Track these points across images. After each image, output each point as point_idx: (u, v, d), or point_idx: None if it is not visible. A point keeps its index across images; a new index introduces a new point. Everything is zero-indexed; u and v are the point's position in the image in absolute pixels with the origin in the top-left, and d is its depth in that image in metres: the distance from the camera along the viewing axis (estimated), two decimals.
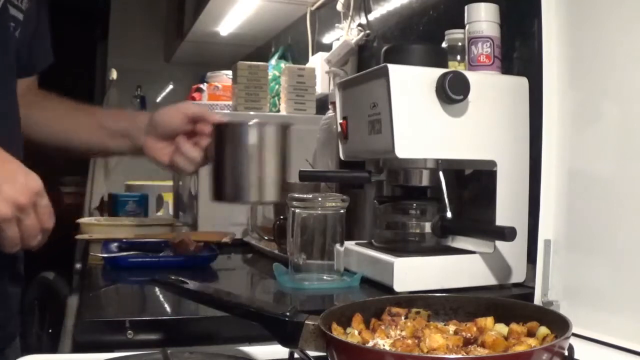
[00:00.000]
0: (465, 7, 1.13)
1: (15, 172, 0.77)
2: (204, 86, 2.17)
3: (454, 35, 1.19)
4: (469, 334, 0.64)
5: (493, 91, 1.04)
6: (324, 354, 0.63)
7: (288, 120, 1.15)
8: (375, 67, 1.02)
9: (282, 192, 1.03)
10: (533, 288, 0.94)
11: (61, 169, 4.28)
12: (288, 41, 2.64)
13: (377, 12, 1.81)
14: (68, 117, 1.11)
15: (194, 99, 2.13)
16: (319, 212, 1.06)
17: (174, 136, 1.05)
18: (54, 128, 1.10)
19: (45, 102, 1.12)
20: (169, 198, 2.22)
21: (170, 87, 4.36)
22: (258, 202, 1.05)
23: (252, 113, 1.80)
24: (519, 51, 1.18)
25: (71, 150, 1.12)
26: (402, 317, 0.70)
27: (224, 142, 1.02)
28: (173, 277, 0.74)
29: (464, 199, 1.16)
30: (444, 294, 0.75)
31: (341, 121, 1.14)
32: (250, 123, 1.02)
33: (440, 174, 1.02)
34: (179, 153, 1.04)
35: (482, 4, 1.11)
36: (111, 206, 2.25)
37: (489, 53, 1.10)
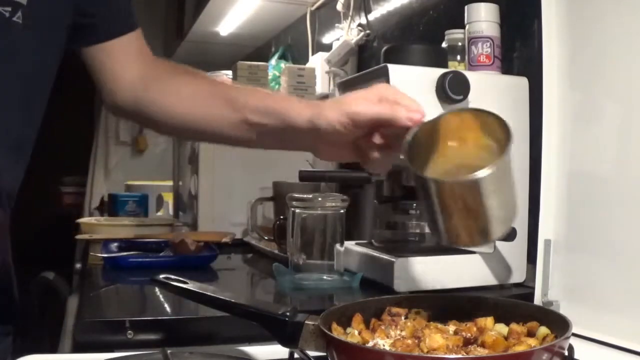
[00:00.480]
0: (465, 7, 1.13)
1: None
2: None
3: (454, 35, 1.19)
4: (469, 334, 0.64)
5: (493, 91, 1.04)
6: (324, 354, 0.63)
7: None
8: (375, 67, 1.02)
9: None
10: (533, 288, 0.94)
11: (61, 169, 4.30)
12: (288, 41, 2.64)
13: (377, 12, 1.81)
14: (200, 106, 0.86)
15: None
16: (319, 212, 1.06)
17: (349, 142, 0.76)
18: (182, 117, 0.88)
19: (165, 78, 0.90)
20: (169, 198, 2.22)
21: None
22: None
23: None
24: (519, 51, 1.18)
25: (207, 140, 0.94)
26: (402, 317, 0.70)
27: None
28: (173, 277, 0.74)
29: None
30: (444, 294, 0.75)
31: None
32: None
33: None
34: (364, 157, 0.76)
35: (482, 4, 1.11)
36: (111, 206, 2.25)
37: (489, 53, 1.10)
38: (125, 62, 0.91)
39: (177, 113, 0.88)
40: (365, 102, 0.73)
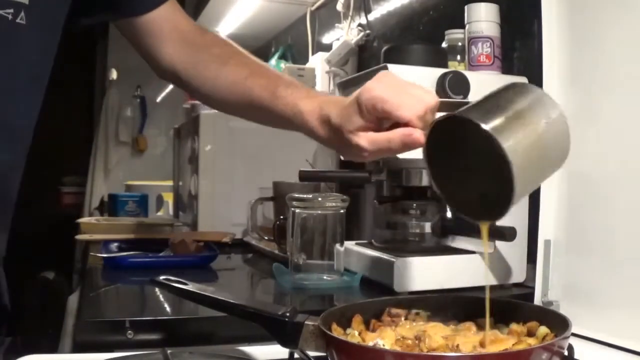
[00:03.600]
0: (465, 7, 1.13)
1: None
2: None
3: (454, 35, 1.19)
4: (469, 334, 0.64)
5: None
6: (324, 354, 0.63)
7: None
8: (375, 67, 1.02)
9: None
10: (533, 288, 0.94)
11: (61, 169, 4.30)
12: (288, 41, 2.64)
13: (377, 12, 1.81)
14: (234, 99, 0.89)
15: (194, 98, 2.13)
16: (319, 212, 1.06)
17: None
18: (219, 103, 0.93)
19: (203, 64, 0.92)
20: (169, 198, 2.22)
21: (171, 87, 4.36)
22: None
23: None
24: (519, 51, 1.18)
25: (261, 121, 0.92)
26: (402, 318, 0.70)
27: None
28: (173, 279, 0.74)
29: None
30: (444, 294, 0.75)
31: None
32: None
33: None
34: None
35: (482, 4, 1.11)
36: (111, 206, 2.25)
37: (489, 53, 1.10)
38: (161, 39, 0.93)
39: (214, 99, 0.93)
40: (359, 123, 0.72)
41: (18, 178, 0.84)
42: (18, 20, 0.78)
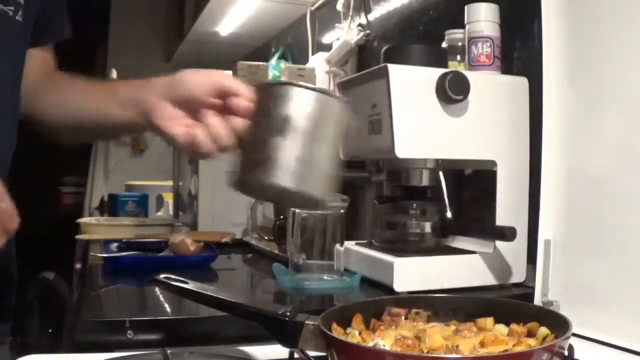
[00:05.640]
0: (465, 7, 1.13)
1: None
2: None
3: (454, 35, 1.19)
4: (469, 334, 0.64)
5: (493, 91, 1.04)
6: (324, 354, 0.63)
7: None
8: (375, 67, 1.02)
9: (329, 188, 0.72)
10: (533, 288, 0.94)
11: (61, 169, 4.30)
12: (288, 41, 2.63)
13: (377, 12, 1.81)
14: (79, 92, 0.91)
15: None
16: (319, 212, 1.06)
17: (195, 107, 0.77)
18: (66, 108, 0.92)
19: (61, 83, 0.95)
20: (169, 198, 2.22)
21: None
22: (297, 192, 0.71)
23: None
24: (519, 51, 1.17)
25: (81, 127, 0.92)
26: (402, 317, 0.70)
27: (262, 109, 0.71)
28: (173, 277, 0.74)
29: (464, 199, 1.16)
30: (444, 294, 0.76)
31: None
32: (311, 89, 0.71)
33: (440, 174, 1.02)
34: (202, 126, 0.76)
35: (482, 4, 1.11)
36: (111, 206, 2.26)
37: (489, 53, 1.10)
38: (31, 70, 0.93)
39: (62, 106, 0.92)
40: (226, 75, 0.79)
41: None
42: (17, 17, 0.82)
